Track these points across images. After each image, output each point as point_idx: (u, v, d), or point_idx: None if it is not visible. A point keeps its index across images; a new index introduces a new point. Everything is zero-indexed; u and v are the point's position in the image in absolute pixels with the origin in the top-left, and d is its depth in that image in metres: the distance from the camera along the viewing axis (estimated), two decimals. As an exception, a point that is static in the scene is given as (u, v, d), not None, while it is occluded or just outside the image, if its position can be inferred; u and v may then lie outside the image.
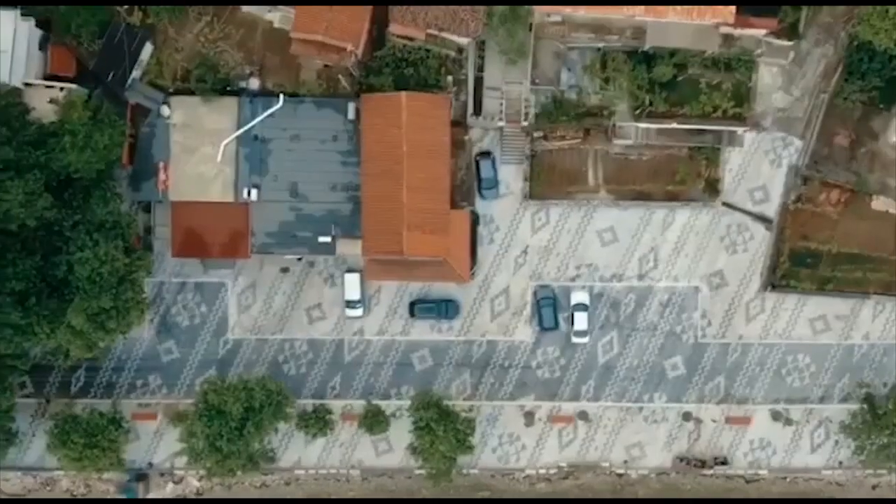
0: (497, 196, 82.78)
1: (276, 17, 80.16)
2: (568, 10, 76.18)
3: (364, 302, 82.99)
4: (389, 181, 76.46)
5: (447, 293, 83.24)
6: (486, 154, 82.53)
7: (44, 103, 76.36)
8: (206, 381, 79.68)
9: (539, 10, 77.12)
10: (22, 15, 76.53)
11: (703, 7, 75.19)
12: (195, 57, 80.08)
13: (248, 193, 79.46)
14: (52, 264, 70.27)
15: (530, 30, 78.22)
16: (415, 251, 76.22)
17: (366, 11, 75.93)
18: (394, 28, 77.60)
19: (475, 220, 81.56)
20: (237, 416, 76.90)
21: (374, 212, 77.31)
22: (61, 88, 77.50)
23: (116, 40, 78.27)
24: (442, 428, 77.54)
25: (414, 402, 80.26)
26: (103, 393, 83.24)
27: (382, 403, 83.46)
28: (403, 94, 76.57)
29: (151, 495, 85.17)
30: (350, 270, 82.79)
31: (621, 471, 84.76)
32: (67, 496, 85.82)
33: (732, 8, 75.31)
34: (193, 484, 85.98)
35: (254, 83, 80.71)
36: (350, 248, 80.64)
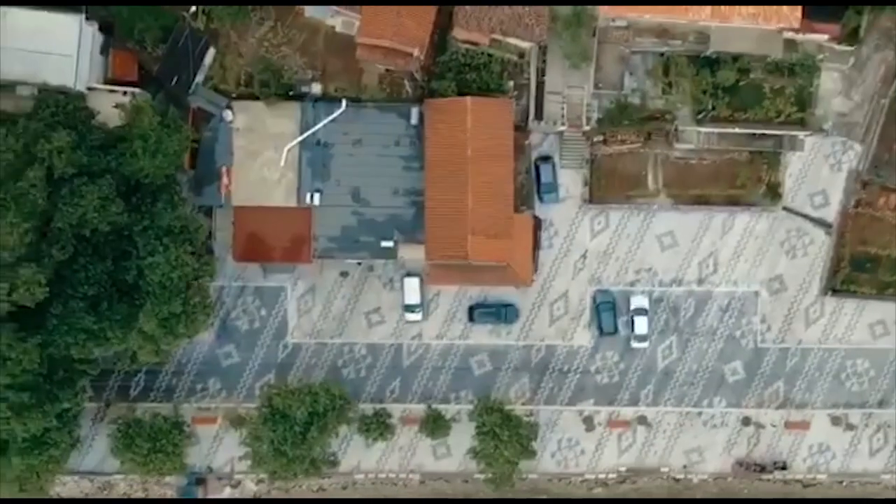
0: (556, 200, 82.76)
1: (337, 22, 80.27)
2: (635, 14, 76.12)
3: (423, 306, 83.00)
4: (453, 186, 76.49)
5: (506, 298, 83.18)
6: (545, 158, 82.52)
7: (108, 108, 76.28)
8: (271, 385, 79.89)
9: (604, 15, 77.13)
10: (86, 19, 76.67)
11: (769, 12, 75.19)
12: (258, 62, 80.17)
13: (311, 198, 79.52)
14: (121, 269, 70.33)
15: (594, 34, 78.19)
16: (479, 256, 76.21)
17: (431, 16, 76.03)
18: (458, 33, 77.66)
19: (537, 224, 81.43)
20: (302, 420, 77.04)
21: (437, 216, 77.33)
22: (125, 93, 77.54)
23: (181, 45, 78.45)
24: (506, 433, 77.53)
25: (477, 406, 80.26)
26: (163, 397, 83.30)
27: (441, 408, 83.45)
28: (468, 98, 76.65)
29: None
30: (409, 275, 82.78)
31: (680, 475, 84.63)
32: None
33: (798, 13, 75.42)
34: (251, 487, 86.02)
35: (316, 88, 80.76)
36: (411, 253, 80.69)
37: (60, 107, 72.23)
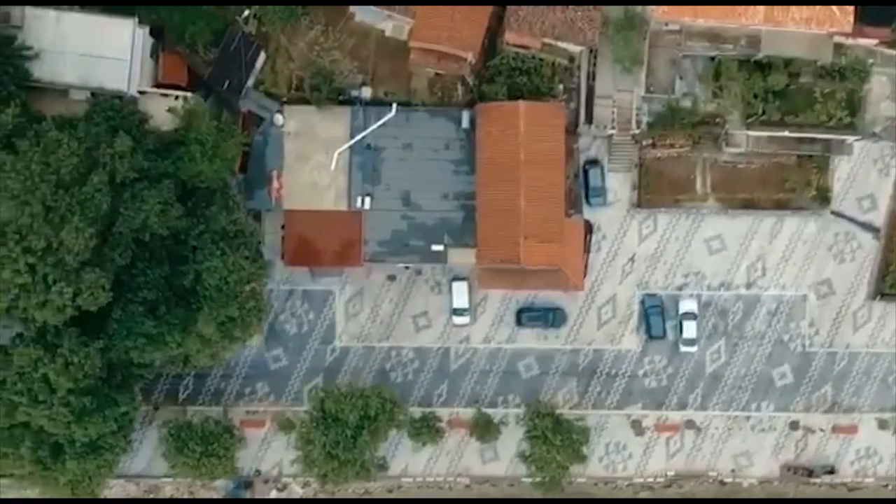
0: (604, 204, 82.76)
1: (388, 26, 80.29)
2: (689, 19, 76.12)
3: (471, 310, 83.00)
4: (506, 190, 76.45)
5: (554, 301, 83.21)
6: (593, 162, 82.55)
7: (160, 111, 76.34)
8: (323, 389, 79.96)
9: (656, 19, 77.10)
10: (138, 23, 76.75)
11: (822, 16, 75.17)
12: (308, 66, 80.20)
13: (362, 202, 79.58)
14: (178, 273, 70.33)
15: (645, 38, 78.17)
16: (531, 260, 76.17)
17: (484, 21, 76.03)
18: (509, 37, 77.63)
19: (588, 228, 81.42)
20: (353, 424, 77.11)
21: (489, 221, 77.33)
22: (176, 97, 77.64)
23: (233, 49, 78.38)
24: (558, 437, 77.57)
25: (528, 411, 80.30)
26: (211, 400, 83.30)
27: (489, 411, 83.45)
28: (521, 102, 76.64)
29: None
30: (457, 279, 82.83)
31: (729, 479, 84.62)
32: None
33: (850, 18, 75.35)
34: (297, 490, 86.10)
35: (366, 92, 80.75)
36: (460, 257, 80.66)
37: (116, 111, 72.19)
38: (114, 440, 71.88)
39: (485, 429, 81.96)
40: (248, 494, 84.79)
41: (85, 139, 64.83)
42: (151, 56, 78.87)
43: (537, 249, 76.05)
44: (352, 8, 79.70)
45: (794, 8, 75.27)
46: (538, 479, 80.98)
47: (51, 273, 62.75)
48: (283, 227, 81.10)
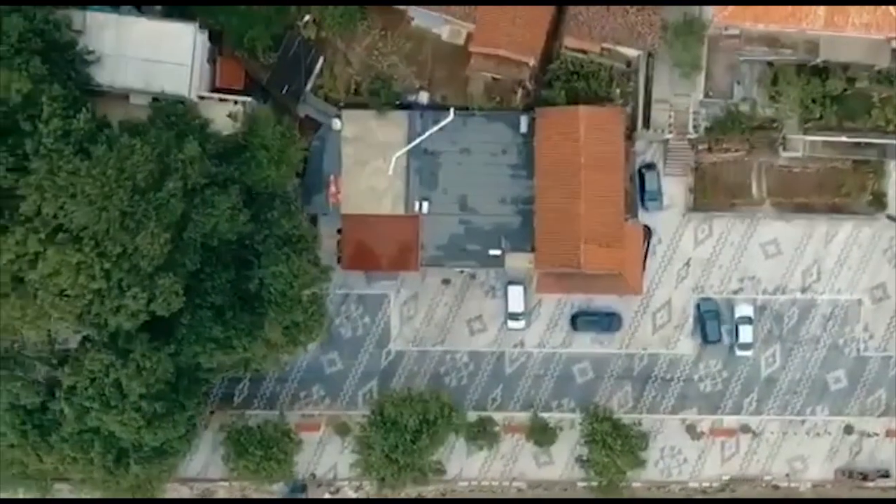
0: (660, 208, 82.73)
1: (444, 30, 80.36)
2: (749, 24, 76.15)
3: (526, 314, 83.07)
4: (565, 194, 76.51)
5: (609, 306, 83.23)
6: (649, 166, 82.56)
7: (220, 116, 76.42)
8: (384, 393, 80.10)
9: (716, 24, 77.14)
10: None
11: (882, 21, 75.17)
12: (365, 70, 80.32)
13: (419, 206, 79.69)
14: (243, 278, 70.44)
15: (704, 43, 78.25)
16: (591, 265, 76.17)
17: (545, 25, 76.07)
18: (568, 41, 77.68)
19: (647, 232, 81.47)
20: (412, 428, 77.23)
21: (549, 225, 77.40)
22: (235, 102, 77.74)
23: (292, 53, 78.61)
24: (619, 442, 77.63)
25: (587, 415, 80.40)
26: (266, 404, 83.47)
27: (544, 416, 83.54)
28: (581, 107, 76.65)
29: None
30: (512, 283, 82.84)
31: (783, 483, 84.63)
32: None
33: (911, 22, 75.38)
34: (350, 494, 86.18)
35: (423, 97, 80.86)
36: (516, 261, 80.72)
37: (178, 116, 72.31)
38: (178, 444, 72.13)
39: (542, 433, 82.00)
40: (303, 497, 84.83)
41: (156, 144, 64.77)
42: (208, 60, 79.15)
43: (597, 254, 76.05)
44: (410, 12, 79.76)
45: (854, 13, 75.26)
46: (595, 484, 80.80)
47: (125, 278, 62.89)
48: (338, 231, 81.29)
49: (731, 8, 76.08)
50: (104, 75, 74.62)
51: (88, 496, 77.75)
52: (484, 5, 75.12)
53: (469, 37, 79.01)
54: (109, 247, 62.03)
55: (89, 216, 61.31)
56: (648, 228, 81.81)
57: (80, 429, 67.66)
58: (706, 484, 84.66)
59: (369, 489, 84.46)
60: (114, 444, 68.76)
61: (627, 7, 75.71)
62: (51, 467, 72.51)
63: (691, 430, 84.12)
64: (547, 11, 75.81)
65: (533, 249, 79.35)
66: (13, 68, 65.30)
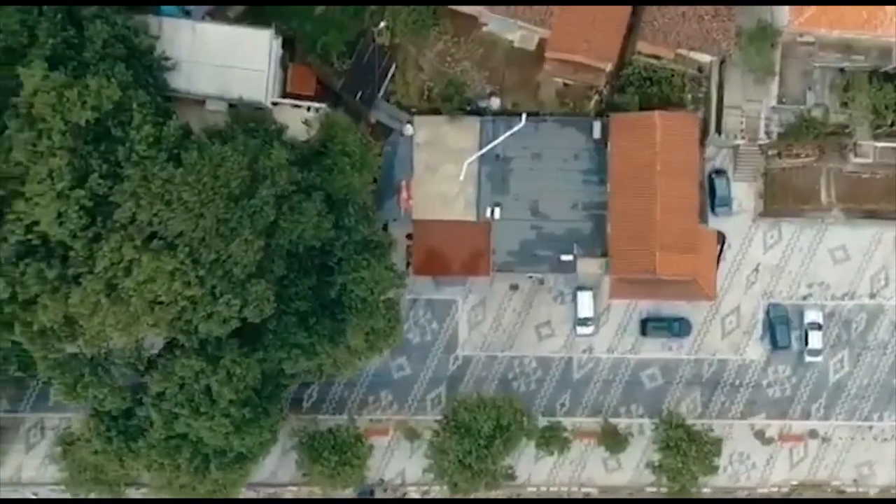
0: (730, 214, 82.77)
1: (516, 36, 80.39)
2: (824, 30, 76.14)
3: (596, 320, 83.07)
4: (641, 200, 76.52)
5: (678, 311, 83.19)
6: (719, 172, 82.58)
7: (295, 122, 76.52)
8: (451, 398, 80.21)
9: (790, 30, 77.13)
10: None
11: (958, 28, 75.25)
12: (437, 76, 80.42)
13: (491, 212, 79.75)
14: (324, 284, 70.47)
15: (777, 49, 78.26)
16: (667, 271, 76.16)
17: (622, 30, 75.96)
18: (642, 46, 77.76)
19: (721, 238, 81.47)
20: (486, 433, 77.24)
21: (623, 231, 77.42)
22: (308, 108, 77.83)
23: (366, 60, 78.74)
24: (693, 449, 77.61)
25: (661, 421, 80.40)
26: (334, 409, 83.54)
27: (613, 421, 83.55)
28: (657, 113, 76.69)
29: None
30: (582, 288, 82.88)
31: (851, 488, 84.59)
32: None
33: (984, 29, 75.37)
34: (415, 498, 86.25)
35: (494, 102, 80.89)
36: (588, 267, 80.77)
37: (257, 122, 72.39)
38: (259, 450, 72.06)
39: (613, 439, 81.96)
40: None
41: (244, 151, 64.83)
42: (281, 66, 79.21)
43: (673, 260, 76.04)
44: (482, 18, 79.78)
45: (929, 19, 75.38)
46: (669, 489, 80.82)
47: (219, 285, 62.94)
48: (407, 236, 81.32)
49: (807, 14, 76.14)
50: (181, 81, 74.94)
51: (154, 497, 77.97)
52: (561, 5, 74.55)
53: (542, 42, 79.08)
54: (204, 254, 62.10)
55: (186, 223, 61.38)
56: (722, 234, 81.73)
57: (168, 435, 67.70)
58: (774, 489, 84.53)
59: (441, 494, 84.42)
60: (199, 450, 68.66)
61: (703, 13, 75.67)
62: (129, 472, 72.57)
63: (760, 435, 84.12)
64: (624, 17, 75.73)
65: (605, 255, 79.48)
66: (99, 74, 65.36)
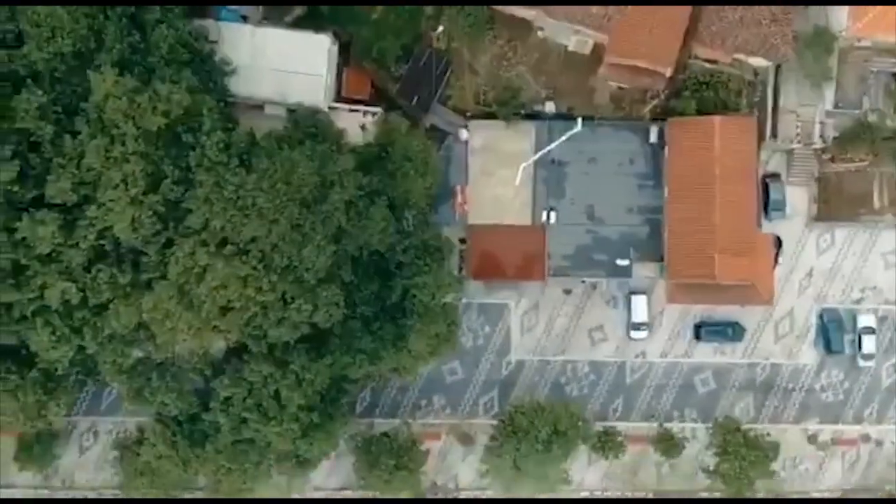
0: (783, 218, 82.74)
1: (571, 41, 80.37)
2: (883, 35, 76.15)
3: (650, 324, 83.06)
4: (699, 205, 76.51)
5: (732, 316, 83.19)
6: (774, 176, 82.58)
7: (352, 126, 76.53)
8: (504, 402, 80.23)
9: (848, 35, 77.14)
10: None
11: None
12: (492, 80, 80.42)
13: (546, 216, 79.76)
14: (386, 288, 70.48)
15: (834, 54, 78.30)
16: (726, 275, 76.08)
17: (680, 34, 75.73)
18: (699, 51, 77.76)
19: (778, 242, 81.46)
20: (543, 438, 77.19)
21: (681, 236, 77.38)
22: (364, 113, 77.80)
23: (422, 64, 78.74)
24: (752, 454, 77.61)
25: (718, 426, 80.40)
26: (387, 413, 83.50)
27: (666, 426, 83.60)
28: (716, 117, 76.70)
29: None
30: (635, 292, 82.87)
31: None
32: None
33: None
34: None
35: (549, 106, 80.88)
36: (643, 271, 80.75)
37: (316, 127, 72.36)
38: (321, 454, 72.06)
39: (668, 443, 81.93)
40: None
41: (312, 157, 64.83)
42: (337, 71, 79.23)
43: (732, 264, 75.99)
44: (537, 23, 79.77)
45: None
46: (719, 494, 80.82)
47: (290, 290, 62.90)
48: (461, 240, 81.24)
49: (864, 20, 76.15)
50: (240, 86, 74.83)
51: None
52: (622, 4, 74.37)
53: (596, 47, 79.08)
54: (276, 259, 62.07)
55: (259, 229, 61.34)
56: (779, 239, 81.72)
57: (235, 439, 67.65)
58: (828, 493, 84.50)
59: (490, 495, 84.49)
60: (265, 455, 68.66)
61: (761, 18, 75.58)
62: (190, 477, 72.62)
63: (813, 439, 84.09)
64: (682, 22, 75.36)
65: (661, 259, 79.44)
66: (166, 80, 65.41)
